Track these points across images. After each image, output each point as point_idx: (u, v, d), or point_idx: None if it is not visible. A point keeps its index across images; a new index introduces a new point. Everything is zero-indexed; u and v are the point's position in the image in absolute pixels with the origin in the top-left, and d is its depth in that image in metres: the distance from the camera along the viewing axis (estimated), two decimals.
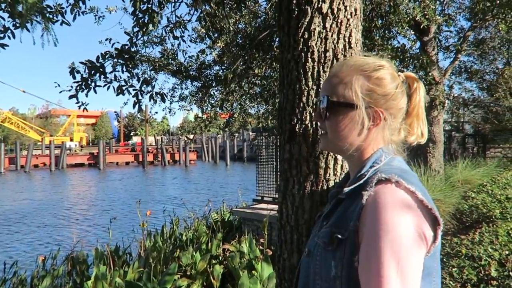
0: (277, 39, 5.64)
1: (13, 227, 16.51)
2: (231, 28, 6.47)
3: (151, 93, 4.30)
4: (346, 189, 1.02)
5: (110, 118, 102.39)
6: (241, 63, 5.48)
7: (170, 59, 8.25)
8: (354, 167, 1.10)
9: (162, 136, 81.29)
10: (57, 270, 6.70)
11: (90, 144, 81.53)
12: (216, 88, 8.72)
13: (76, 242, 6.70)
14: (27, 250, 12.55)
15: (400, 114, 1.09)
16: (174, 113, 9.72)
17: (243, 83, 5.99)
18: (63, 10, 4.16)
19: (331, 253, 0.98)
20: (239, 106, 9.07)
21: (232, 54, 6.21)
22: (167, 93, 9.41)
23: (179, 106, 9.47)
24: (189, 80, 8.86)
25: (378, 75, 1.07)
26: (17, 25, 4.09)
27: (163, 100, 4.37)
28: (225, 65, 7.42)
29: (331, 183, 1.55)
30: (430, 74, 6.52)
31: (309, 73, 1.55)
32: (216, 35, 5.77)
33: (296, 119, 1.59)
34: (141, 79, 4.46)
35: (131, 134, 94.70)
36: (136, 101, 4.24)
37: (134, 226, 6.81)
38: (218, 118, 10.52)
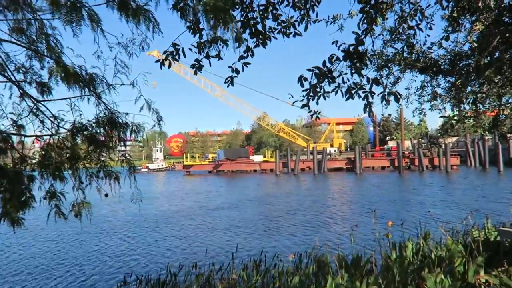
0: None
1: (277, 222, 19.09)
2: (492, 5, 5.23)
3: (383, 93, 3.90)
4: None
5: (366, 123, 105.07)
6: (500, 44, 4.29)
7: (418, 55, 7.50)
8: None
9: (420, 139, 76.66)
10: (307, 269, 7.17)
11: (348, 149, 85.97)
12: (474, 81, 7.35)
13: (321, 245, 6.95)
14: (286, 243, 14.19)
15: None
16: (425, 114, 8.79)
17: (504, 70, 4.65)
18: (296, 22, 4.36)
19: None
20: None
21: (492, 36, 5.00)
22: (414, 92, 8.66)
23: (430, 106, 8.54)
24: (440, 75, 7.84)
25: None
26: (260, 43, 4.57)
27: (397, 101, 3.88)
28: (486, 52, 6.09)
29: None
30: None
31: None
32: (468, 16, 4.78)
33: None
34: (387, 80, 4.11)
35: (387, 138, 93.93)
36: (366, 103, 3.95)
37: (379, 234, 6.50)
38: (482, 117, 8.86)
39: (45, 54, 3.26)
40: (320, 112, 4.39)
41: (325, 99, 4.06)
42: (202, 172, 72.66)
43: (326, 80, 3.90)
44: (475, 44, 6.57)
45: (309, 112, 4.30)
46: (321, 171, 60.90)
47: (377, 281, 4.68)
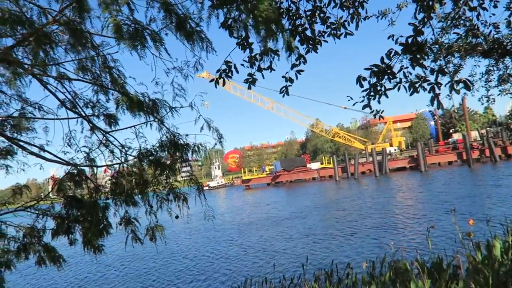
0: None
1: (345, 228, 18.51)
2: None
3: (450, 83, 3.63)
4: None
5: (426, 118, 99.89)
6: None
7: (483, 37, 6.98)
8: None
9: (488, 128, 71.24)
10: (383, 277, 6.79)
11: (409, 147, 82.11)
12: None
13: (396, 250, 6.57)
14: (356, 249, 13.66)
15: None
16: (494, 101, 8.12)
17: None
18: (345, 22, 4.22)
19: None
20: None
21: None
22: (479, 78, 8.04)
23: (499, 91, 7.89)
24: (507, 57, 7.23)
25: None
26: (310, 49, 4.48)
27: (468, 88, 3.58)
28: None
29: None
30: None
31: None
32: None
33: None
34: (437, 69, 3.85)
35: (450, 131, 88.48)
36: (433, 96, 3.69)
37: (462, 234, 6.02)
38: None
39: (109, 87, 3.44)
40: (383, 111, 4.18)
41: (387, 96, 3.87)
42: (261, 185, 72.93)
43: (386, 77, 3.72)
44: None
45: (371, 112, 4.11)
46: (382, 173, 58.59)
47: (468, 285, 4.30)
